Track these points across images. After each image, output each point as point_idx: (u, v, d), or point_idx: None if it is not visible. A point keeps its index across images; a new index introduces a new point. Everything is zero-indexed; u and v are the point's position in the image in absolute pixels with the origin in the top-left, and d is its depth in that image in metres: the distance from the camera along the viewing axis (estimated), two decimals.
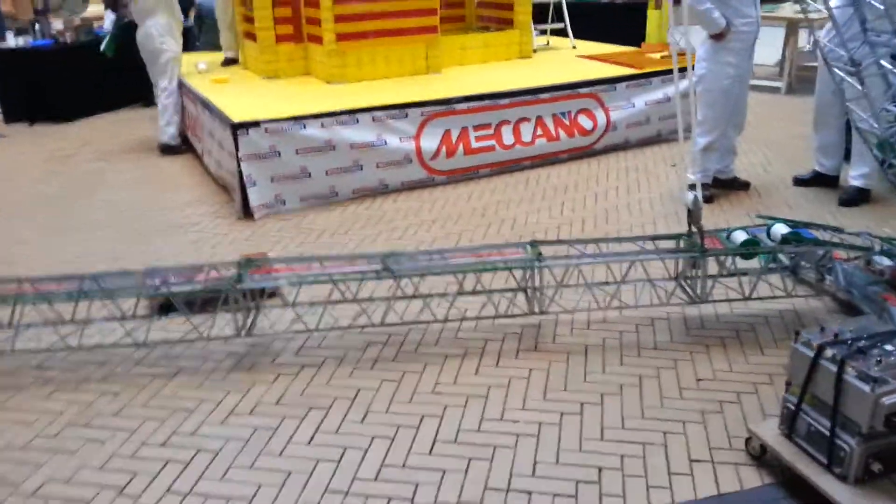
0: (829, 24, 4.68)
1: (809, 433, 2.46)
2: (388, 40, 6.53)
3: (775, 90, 8.46)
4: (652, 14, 10.34)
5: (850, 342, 2.39)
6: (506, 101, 5.93)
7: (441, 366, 3.35)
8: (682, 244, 3.45)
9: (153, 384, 3.31)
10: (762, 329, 3.52)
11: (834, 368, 2.34)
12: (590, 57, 7.41)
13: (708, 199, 5.13)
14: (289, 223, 5.21)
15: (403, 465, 2.74)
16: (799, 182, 5.34)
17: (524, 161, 6.09)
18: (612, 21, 10.88)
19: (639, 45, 9.54)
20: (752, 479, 2.59)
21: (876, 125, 3.10)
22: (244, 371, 3.40)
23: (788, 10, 8.46)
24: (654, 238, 3.53)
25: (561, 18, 7.91)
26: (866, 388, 2.24)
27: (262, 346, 3.58)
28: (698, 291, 3.40)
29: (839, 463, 2.35)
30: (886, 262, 3.47)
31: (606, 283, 3.49)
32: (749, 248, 3.31)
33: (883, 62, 3.05)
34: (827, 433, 2.38)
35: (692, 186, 3.34)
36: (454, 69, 7.03)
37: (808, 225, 3.50)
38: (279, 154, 5.31)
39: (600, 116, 6.26)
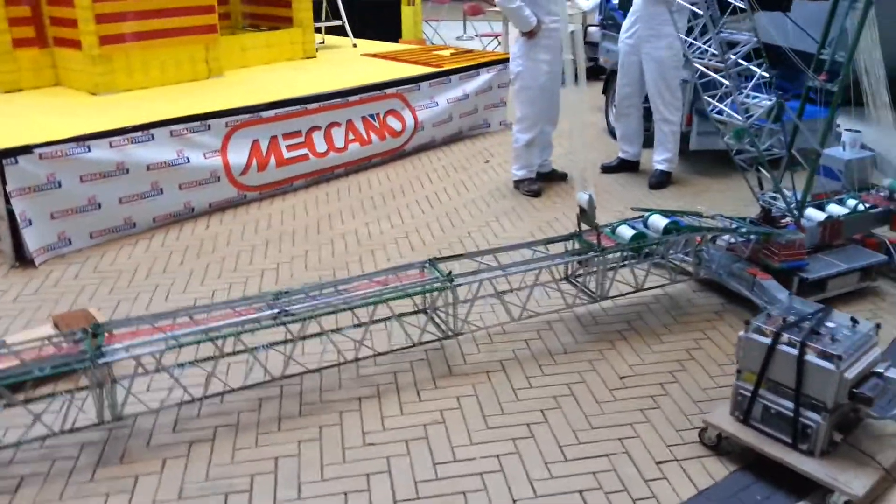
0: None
1: (768, 416, 2.57)
2: (162, 42, 5.72)
3: None
4: (406, 10, 10.46)
5: (799, 325, 2.53)
6: (315, 105, 5.52)
7: (359, 412, 2.98)
8: (575, 244, 3.44)
9: None
10: (648, 316, 3.66)
11: (794, 352, 2.46)
12: (375, 56, 7.22)
13: (537, 193, 5.26)
14: (84, 267, 4.33)
15: None
16: (606, 169, 5.70)
17: (338, 168, 5.74)
18: (366, 17, 10.82)
19: (395, 41, 9.61)
20: (718, 469, 2.65)
21: (738, 115, 3.35)
22: (116, 464, 2.71)
23: None
24: (547, 242, 3.48)
25: (337, 16, 7.59)
26: (831, 366, 2.38)
27: (124, 429, 2.89)
28: (595, 289, 3.42)
29: (805, 440, 2.48)
30: (732, 239, 3.80)
31: (508, 292, 3.37)
32: (641, 243, 3.40)
33: (739, 59, 3.30)
34: (788, 413, 2.50)
35: (584, 186, 3.34)
36: (236, 72, 6.40)
37: (674, 212, 3.70)
38: (59, 184, 4.37)
39: (408, 117, 6.11)
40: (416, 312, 3.29)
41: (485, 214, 4.98)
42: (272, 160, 5.31)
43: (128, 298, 3.94)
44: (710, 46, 3.29)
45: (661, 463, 2.68)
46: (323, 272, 4.19)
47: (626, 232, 3.45)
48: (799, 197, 3.67)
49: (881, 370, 2.47)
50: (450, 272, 3.11)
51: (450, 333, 3.17)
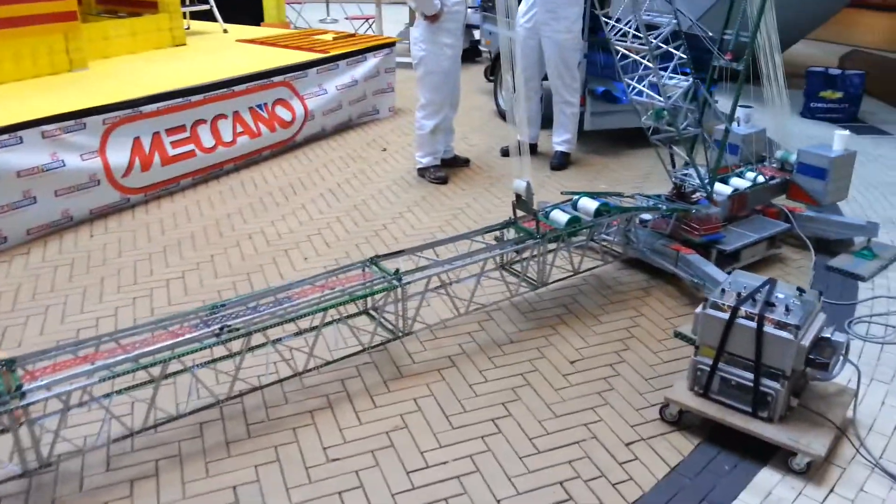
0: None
1: (727, 388, 2.66)
2: (14, 31, 5.09)
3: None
4: None
5: (753, 299, 2.63)
6: (199, 97, 5.12)
7: (314, 426, 2.80)
8: (512, 231, 3.41)
9: None
10: (582, 299, 3.71)
11: (752, 325, 2.55)
12: (252, 41, 6.82)
13: (444, 180, 5.19)
14: None
15: None
16: (506, 153, 5.70)
17: (228, 164, 5.38)
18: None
19: (258, 24, 9.21)
20: (684, 444, 2.71)
21: (660, 97, 3.43)
22: None
23: None
24: (485, 231, 3.42)
25: None
26: (789, 335, 2.49)
27: (47, 475, 2.54)
28: (534, 276, 3.41)
29: (765, 407, 2.59)
30: (646, 216, 3.93)
31: (448, 285, 3.28)
32: (577, 226, 3.42)
33: (660, 43, 3.37)
34: (748, 384, 2.60)
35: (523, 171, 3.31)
36: (101, 63, 5.84)
37: (599, 194, 3.74)
38: None
39: (297, 106, 5.83)
40: (359, 314, 3.14)
41: (395, 205, 4.84)
42: (156, 158, 4.89)
43: (16, 324, 3.48)
44: (630, 28, 3.34)
45: (630, 444, 2.71)
46: (236, 278, 3.91)
47: (561, 217, 3.45)
48: (710, 173, 3.83)
49: (828, 335, 2.62)
50: (397, 270, 2.98)
51: (399, 334, 3.04)
